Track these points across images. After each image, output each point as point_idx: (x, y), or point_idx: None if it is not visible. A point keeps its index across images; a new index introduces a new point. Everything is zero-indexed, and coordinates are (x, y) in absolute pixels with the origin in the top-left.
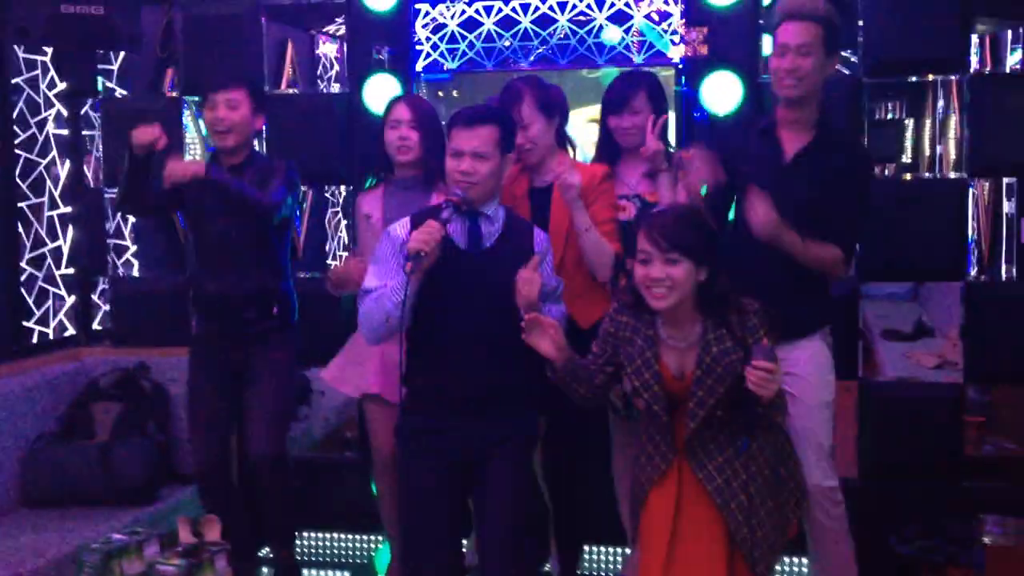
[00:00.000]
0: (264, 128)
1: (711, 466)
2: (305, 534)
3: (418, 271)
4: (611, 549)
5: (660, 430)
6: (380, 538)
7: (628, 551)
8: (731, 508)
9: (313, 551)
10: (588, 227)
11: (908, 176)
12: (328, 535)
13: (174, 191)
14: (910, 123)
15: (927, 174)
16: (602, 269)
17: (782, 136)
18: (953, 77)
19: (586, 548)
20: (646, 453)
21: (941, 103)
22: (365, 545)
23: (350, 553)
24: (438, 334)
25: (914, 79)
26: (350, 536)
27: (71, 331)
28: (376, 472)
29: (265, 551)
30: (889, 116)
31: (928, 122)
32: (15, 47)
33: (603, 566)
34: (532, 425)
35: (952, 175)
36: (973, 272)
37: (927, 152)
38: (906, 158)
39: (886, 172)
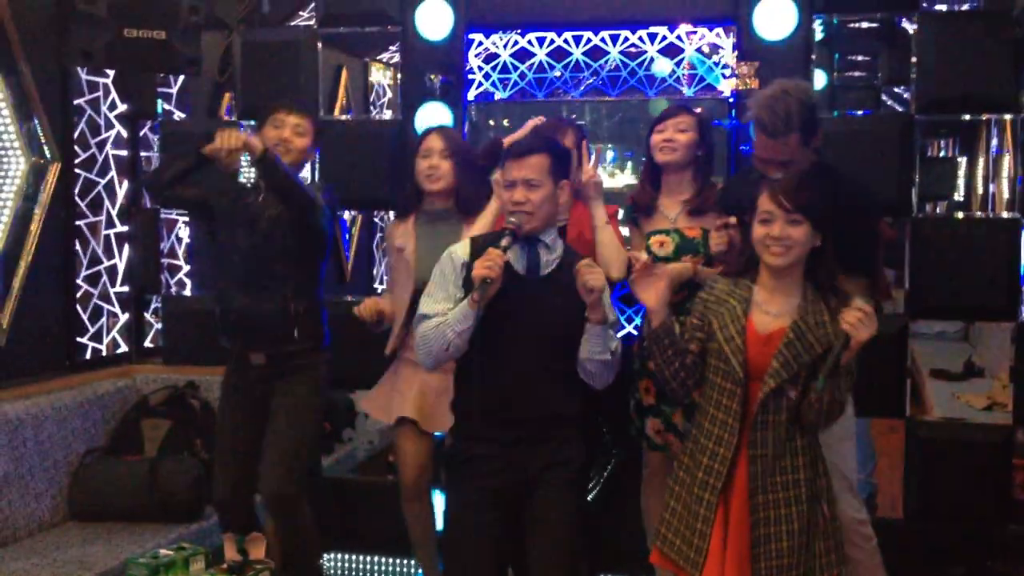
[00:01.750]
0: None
1: (760, 452)
2: (345, 556)
3: (484, 300)
4: None
5: (730, 397)
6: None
7: None
8: (757, 501)
9: (353, 574)
10: (606, 222)
11: (960, 215)
12: (369, 558)
13: (203, 198)
14: (963, 161)
15: (979, 213)
16: (617, 265)
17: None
18: (1007, 116)
19: None
20: (703, 443)
21: (995, 141)
22: (405, 569)
23: None
24: (490, 359)
25: (967, 117)
26: (390, 560)
27: (123, 348)
28: (402, 498)
29: None
30: (941, 154)
31: (981, 160)
32: (79, 69)
33: None
34: (582, 453)
35: (1005, 214)
36: None
37: (979, 191)
38: (958, 196)
39: (937, 210)
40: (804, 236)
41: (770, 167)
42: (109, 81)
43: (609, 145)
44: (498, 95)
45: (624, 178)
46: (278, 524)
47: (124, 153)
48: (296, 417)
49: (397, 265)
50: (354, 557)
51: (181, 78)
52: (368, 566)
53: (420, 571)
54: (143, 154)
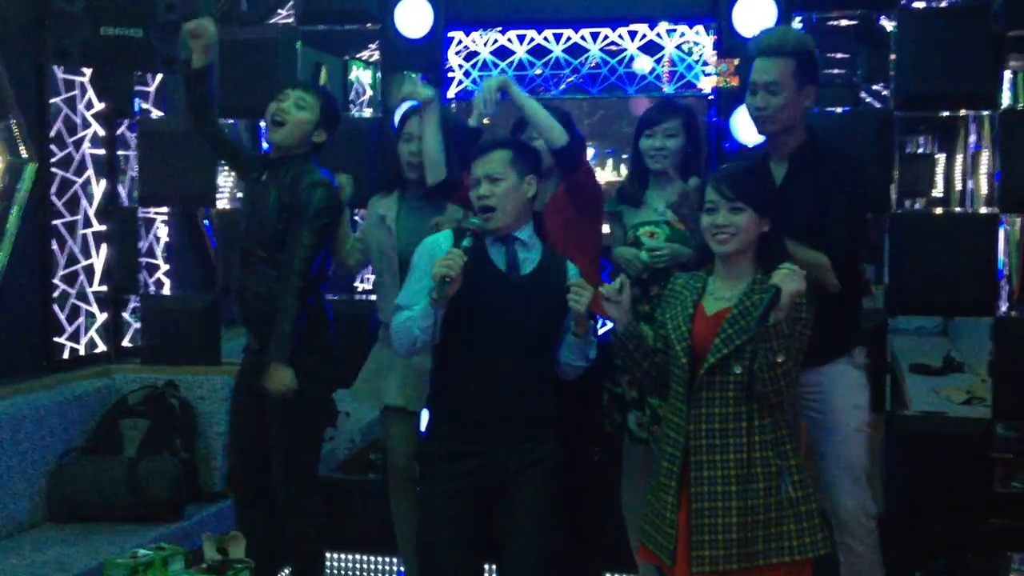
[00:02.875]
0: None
1: (705, 427)
2: (327, 555)
3: (443, 299)
4: None
5: (679, 383)
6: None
7: None
8: (702, 475)
9: (335, 573)
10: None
11: (939, 210)
12: (350, 557)
13: (237, 154)
14: (941, 158)
15: (958, 209)
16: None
17: (771, 165)
18: (985, 112)
19: None
20: (666, 432)
21: (973, 138)
22: (387, 568)
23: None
24: (468, 355)
25: (946, 114)
26: (372, 558)
27: (102, 348)
28: (391, 487)
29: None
30: (920, 150)
31: (960, 157)
32: (55, 68)
33: None
34: (556, 453)
35: (983, 210)
36: (1004, 307)
37: (958, 187)
38: (937, 192)
39: (916, 206)
40: (747, 223)
41: (760, 94)
42: (86, 80)
43: (589, 143)
44: None
45: (605, 175)
46: (287, 524)
47: (101, 152)
48: (286, 416)
49: (377, 234)
50: (336, 556)
51: (159, 76)
52: (350, 564)
53: (403, 569)
54: (120, 153)
